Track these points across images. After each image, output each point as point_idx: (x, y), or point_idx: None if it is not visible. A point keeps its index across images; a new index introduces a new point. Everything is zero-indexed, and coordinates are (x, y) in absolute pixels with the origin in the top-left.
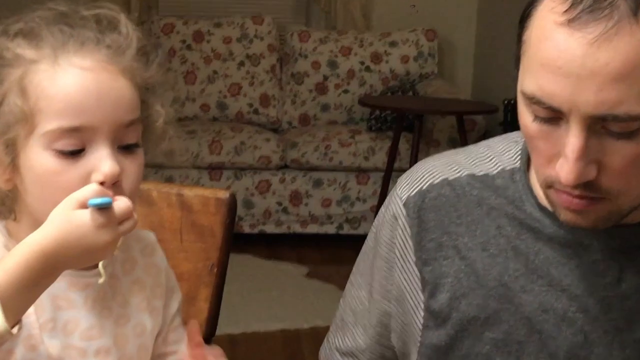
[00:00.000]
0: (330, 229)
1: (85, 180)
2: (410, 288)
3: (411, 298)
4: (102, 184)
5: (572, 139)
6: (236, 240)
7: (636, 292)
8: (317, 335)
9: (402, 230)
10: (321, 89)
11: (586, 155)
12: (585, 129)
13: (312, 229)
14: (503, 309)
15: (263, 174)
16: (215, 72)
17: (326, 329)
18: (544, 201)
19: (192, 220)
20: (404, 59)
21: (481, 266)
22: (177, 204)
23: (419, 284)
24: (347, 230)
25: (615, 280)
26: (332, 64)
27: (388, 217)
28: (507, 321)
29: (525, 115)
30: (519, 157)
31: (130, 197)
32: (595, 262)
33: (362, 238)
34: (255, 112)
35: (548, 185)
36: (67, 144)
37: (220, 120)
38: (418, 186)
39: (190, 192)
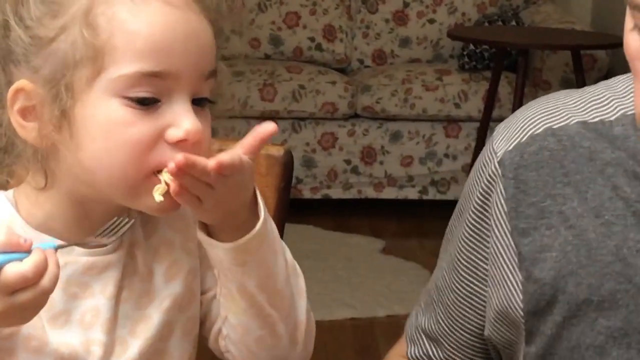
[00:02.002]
0: (412, 194)
1: (159, 136)
2: (504, 264)
3: (507, 277)
4: (179, 142)
5: None
6: (294, 207)
7: None
8: (395, 324)
9: (497, 194)
10: (400, 18)
11: None
12: None
13: (389, 193)
14: (621, 290)
15: (327, 125)
16: None
17: (406, 317)
18: None
19: None
20: None
21: (593, 237)
22: None
23: (516, 260)
24: (432, 195)
25: None
26: None
27: (480, 178)
28: (626, 305)
29: (627, 30)
30: None
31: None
32: None
33: (451, 205)
34: (318, 47)
35: None
36: (143, 92)
37: (273, 58)
38: (516, 138)
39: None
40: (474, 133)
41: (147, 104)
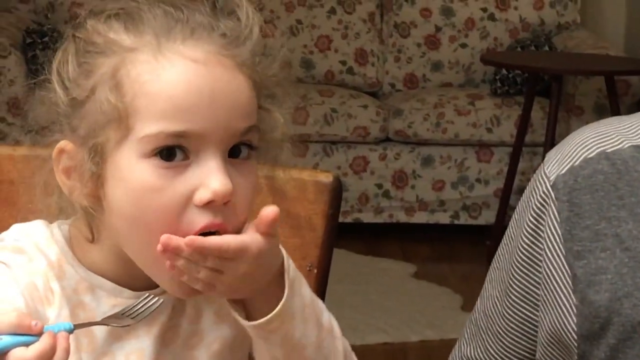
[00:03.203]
0: (443, 218)
1: (188, 199)
2: (559, 288)
3: (560, 301)
4: (209, 203)
5: None
6: None
7: None
8: (428, 350)
9: (550, 217)
10: (432, 42)
11: None
12: None
13: (421, 217)
14: None
15: (359, 149)
16: (299, 21)
17: (439, 342)
18: None
19: (285, 210)
20: (538, 4)
21: None
22: (266, 189)
23: (570, 283)
24: (464, 219)
25: None
26: (447, 11)
27: (532, 202)
28: None
29: None
30: None
31: (242, 220)
32: None
33: (483, 229)
34: (350, 71)
35: None
36: (169, 153)
37: (305, 82)
38: (569, 162)
39: (283, 174)
40: (506, 158)
41: (173, 156)
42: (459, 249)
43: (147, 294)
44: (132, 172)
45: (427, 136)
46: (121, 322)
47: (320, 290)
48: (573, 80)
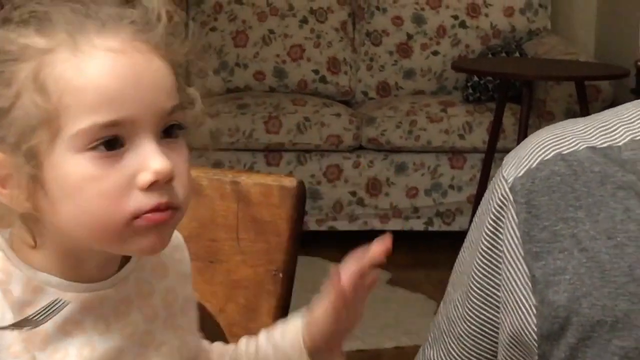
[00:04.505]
0: (417, 225)
1: (130, 184)
2: (518, 289)
3: (520, 302)
4: (152, 185)
5: None
6: (300, 239)
7: None
8: (402, 356)
9: (508, 220)
10: (404, 50)
11: None
12: None
13: (395, 224)
14: (635, 310)
15: (332, 157)
16: (271, 31)
17: (413, 349)
18: None
19: (251, 215)
20: (508, 11)
21: (606, 258)
22: (231, 195)
23: (529, 284)
24: (438, 226)
25: None
26: (418, 19)
27: (491, 205)
28: None
29: None
30: None
31: (185, 199)
32: None
33: (457, 235)
34: (322, 80)
35: None
36: (104, 142)
37: (278, 91)
38: (527, 164)
39: (248, 180)
40: (479, 164)
41: (112, 145)
42: (433, 256)
43: (51, 301)
44: (70, 167)
45: (400, 144)
46: (34, 323)
47: (286, 294)
48: (544, 86)
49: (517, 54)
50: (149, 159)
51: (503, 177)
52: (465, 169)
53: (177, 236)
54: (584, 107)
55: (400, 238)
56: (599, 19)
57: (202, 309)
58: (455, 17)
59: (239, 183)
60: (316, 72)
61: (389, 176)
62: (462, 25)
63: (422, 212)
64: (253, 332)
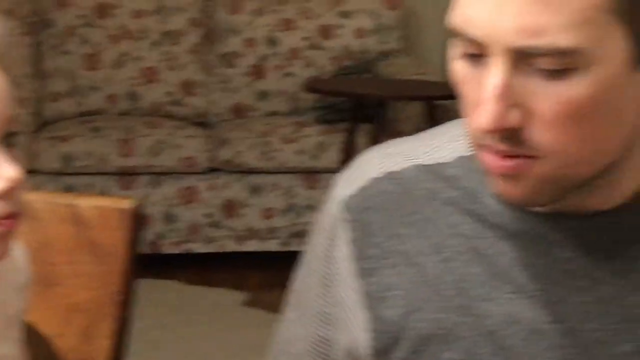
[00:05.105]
0: (274, 246)
1: None
2: (352, 306)
3: (354, 318)
4: (6, 192)
5: (492, 76)
6: (155, 263)
7: (616, 297)
8: None
9: (341, 238)
10: (258, 72)
11: (508, 96)
12: (508, 65)
13: (251, 246)
14: (462, 323)
15: (188, 180)
16: (124, 54)
17: None
18: None
19: (88, 238)
20: (360, 33)
21: (435, 273)
22: (69, 218)
23: (362, 300)
24: (294, 246)
25: (592, 282)
26: (271, 41)
27: (325, 224)
28: (468, 337)
29: (453, 58)
30: None
31: (24, 209)
32: (569, 261)
33: None
34: (176, 102)
35: (477, 144)
36: None
37: (132, 114)
38: (357, 183)
39: (85, 203)
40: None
41: None
42: (290, 276)
43: None
44: None
45: (255, 165)
46: None
47: (125, 316)
48: (395, 106)
49: (369, 75)
50: (1, 167)
51: (336, 196)
52: (319, 189)
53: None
54: (433, 126)
55: (257, 259)
56: (446, 40)
57: (37, 334)
58: (308, 39)
59: (75, 206)
60: (170, 94)
61: (244, 197)
62: (315, 46)
63: (278, 233)
64: (92, 356)
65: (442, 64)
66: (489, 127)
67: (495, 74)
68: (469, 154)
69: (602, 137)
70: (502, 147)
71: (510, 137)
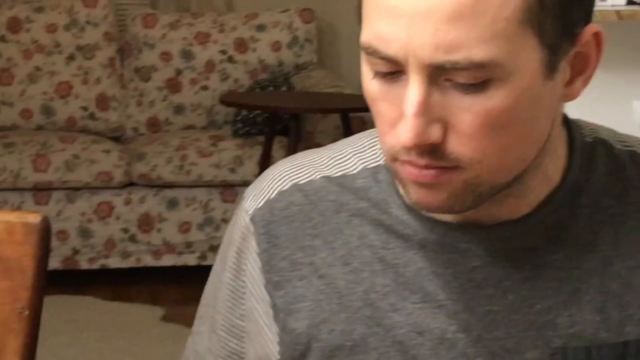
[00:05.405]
0: (191, 260)
1: None
2: (261, 318)
3: (263, 330)
4: None
5: (410, 93)
6: (71, 279)
7: (524, 305)
8: None
9: (250, 251)
10: (173, 86)
11: (428, 111)
12: (426, 81)
13: (168, 260)
14: (371, 334)
15: (103, 195)
16: (38, 68)
17: None
18: None
19: None
20: (275, 46)
21: (343, 284)
22: None
23: (271, 312)
24: (211, 260)
25: (500, 290)
26: (186, 55)
27: (234, 237)
28: (377, 348)
29: (365, 75)
30: None
31: None
32: (475, 270)
33: None
34: (91, 117)
35: (393, 158)
36: None
37: (46, 128)
38: (265, 196)
39: None
40: None
41: None
42: None
43: None
44: None
45: (171, 179)
46: None
47: (32, 332)
48: (312, 119)
49: (285, 88)
50: None
51: (244, 209)
52: (236, 203)
53: None
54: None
55: (174, 273)
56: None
57: None
58: (224, 52)
59: None
60: (85, 109)
61: (160, 212)
62: (231, 60)
63: (196, 247)
64: None
65: (358, 76)
66: (410, 143)
67: (413, 90)
68: (374, 165)
69: (521, 145)
70: (422, 161)
71: (430, 151)
